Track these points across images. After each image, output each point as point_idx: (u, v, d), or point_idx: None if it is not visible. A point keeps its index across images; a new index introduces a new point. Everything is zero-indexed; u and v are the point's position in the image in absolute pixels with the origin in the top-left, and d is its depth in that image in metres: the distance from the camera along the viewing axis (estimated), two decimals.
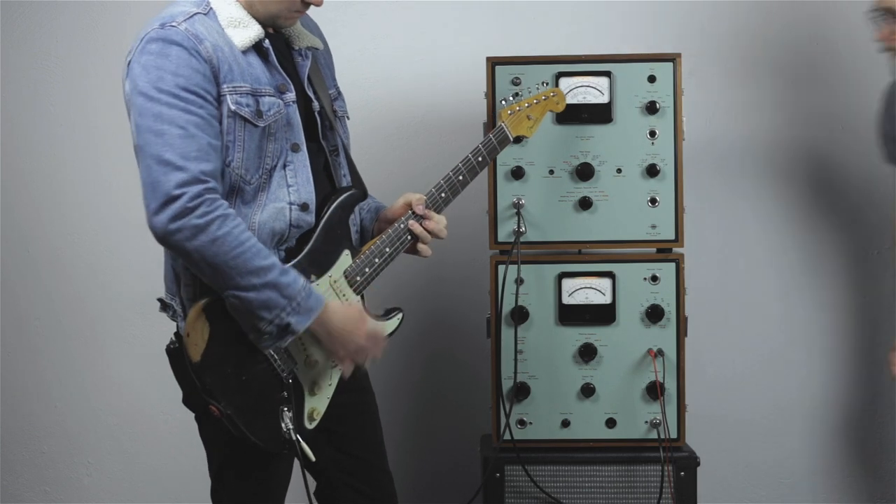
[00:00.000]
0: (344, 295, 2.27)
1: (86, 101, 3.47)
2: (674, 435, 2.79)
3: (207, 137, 2.07)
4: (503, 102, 2.60)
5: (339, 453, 2.41)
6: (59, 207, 3.51)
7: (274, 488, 2.32)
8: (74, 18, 3.46)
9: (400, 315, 2.39)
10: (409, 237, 2.35)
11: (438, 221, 2.37)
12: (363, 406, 2.47)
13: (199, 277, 2.12)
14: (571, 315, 2.80)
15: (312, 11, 2.31)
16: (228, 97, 2.12)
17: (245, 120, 2.14)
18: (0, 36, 3.48)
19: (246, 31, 2.18)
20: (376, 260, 2.31)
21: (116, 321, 3.51)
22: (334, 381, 2.29)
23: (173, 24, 2.10)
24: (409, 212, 2.36)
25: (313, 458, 2.23)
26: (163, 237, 2.04)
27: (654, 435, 2.80)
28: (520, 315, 2.80)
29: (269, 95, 2.18)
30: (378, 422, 2.51)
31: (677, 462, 2.77)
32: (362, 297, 2.36)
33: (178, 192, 2.01)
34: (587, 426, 2.81)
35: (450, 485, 3.43)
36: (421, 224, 2.35)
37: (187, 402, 2.24)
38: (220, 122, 2.12)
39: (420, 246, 2.38)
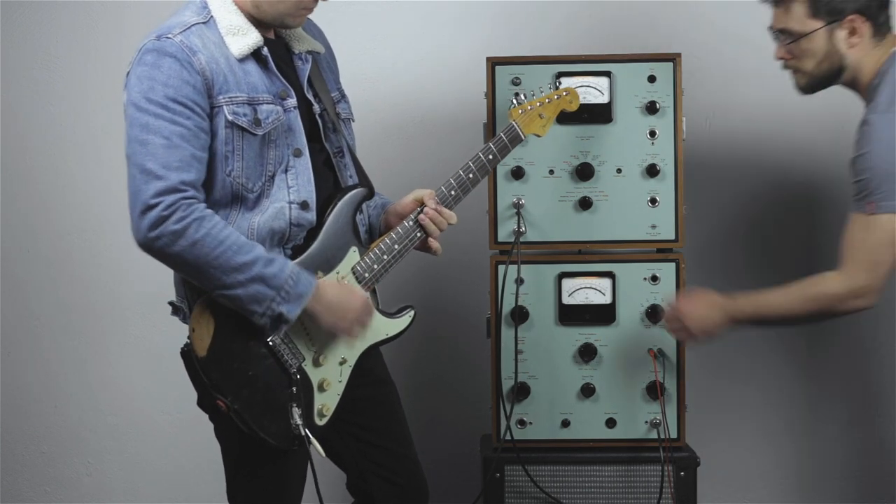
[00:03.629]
0: None
1: (86, 101, 3.46)
2: (674, 435, 2.79)
3: (192, 148, 2.09)
4: (513, 102, 2.56)
5: (363, 444, 2.44)
6: (60, 207, 3.50)
7: (289, 485, 2.32)
8: (74, 18, 3.46)
9: (412, 312, 2.41)
10: (418, 234, 2.36)
11: (449, 217, 2.38)
12: (382, 397, 2.49)
13: None
14: (571, 315, 2.80)
15: (314, 12, 2.30)
16: (225, 108, 2.14)
17: (243, 129, 2.16)
18: (0, 36, 3.48)
19: (244, 39, 2.19)
20: (385, 257, 2.32)
21: (117, 321, 3.51)
22: (344, 378, 2.30)
23: (168, 35, 2.13)
24: (419, 208, 2.36)
25: (323, 454, 2.24)
26: (144, 245, 2.07)
27: (654, 435, 2.80)
28: (520, 315, 2.79)
29: (268, 103, 2.19)
30: (400, 412, 2.53)
31: (677, 462, 2.77)
32: (374, 294, 2.37)
33: (154, 200, 2.04)
34: (587, 426, 2.81)
35: (450, 485, 3.43)
36: (430, 218, 2.34)
37: (202, 403, 2.24)
38: (218, 133, 2.14)
39: (431, 242, 2.38)
